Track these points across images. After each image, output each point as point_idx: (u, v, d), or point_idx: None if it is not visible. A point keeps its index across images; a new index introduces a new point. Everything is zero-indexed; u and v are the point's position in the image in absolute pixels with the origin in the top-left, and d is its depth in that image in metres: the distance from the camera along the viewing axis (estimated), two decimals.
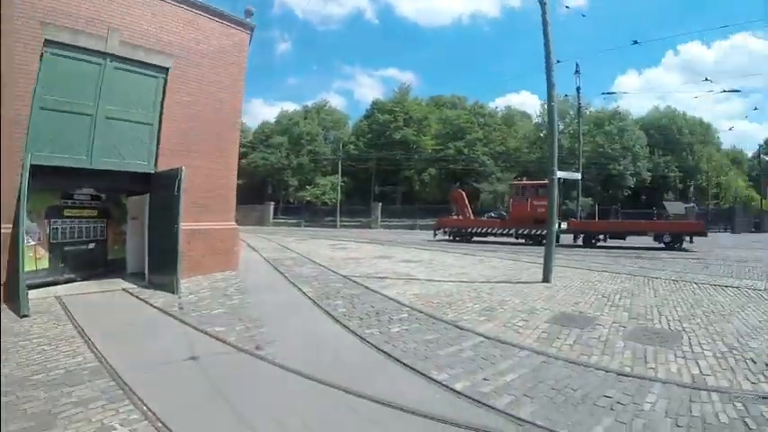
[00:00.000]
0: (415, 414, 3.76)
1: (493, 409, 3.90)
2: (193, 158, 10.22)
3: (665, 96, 79.64)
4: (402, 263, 14.11)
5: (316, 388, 4.30)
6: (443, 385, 4.39)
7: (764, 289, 9.61)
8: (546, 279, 10.54)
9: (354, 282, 10.18)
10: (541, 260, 11.10)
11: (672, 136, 54.24)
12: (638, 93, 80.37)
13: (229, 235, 11.43)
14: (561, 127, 55.55)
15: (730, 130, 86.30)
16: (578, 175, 14.76)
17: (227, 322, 6.62)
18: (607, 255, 17.86)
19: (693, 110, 68.66)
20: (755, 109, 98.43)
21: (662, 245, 21.20)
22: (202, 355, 5.17)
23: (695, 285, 10.13)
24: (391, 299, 8.38)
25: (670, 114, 56.43)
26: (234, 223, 11.75)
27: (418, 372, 4.72)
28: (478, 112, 59.24)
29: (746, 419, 3.69)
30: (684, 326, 6.67)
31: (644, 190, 51.92)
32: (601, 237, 22.83)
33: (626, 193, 50.48)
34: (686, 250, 19.94)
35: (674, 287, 9.94)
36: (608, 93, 75.48)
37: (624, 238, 22.64)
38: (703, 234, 21.32)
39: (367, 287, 9.50)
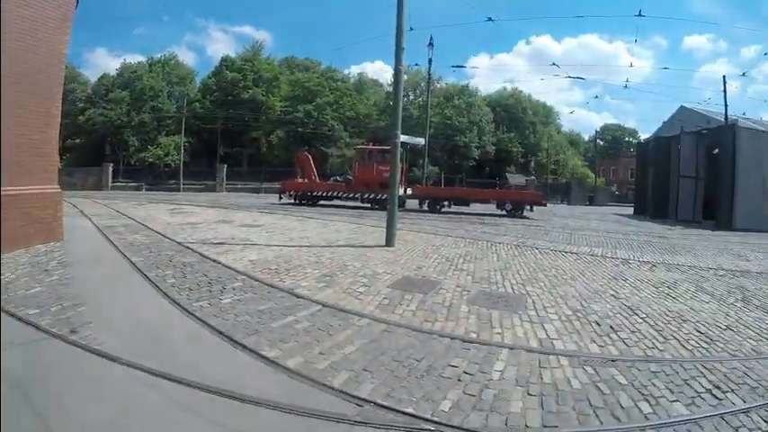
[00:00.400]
0: (241, 401, 3.41)
1: (329, 388, 3.65)
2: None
3: (513, 79, 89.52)
4: (243, 227, 13.66)
5: (132, 375, 3.82)
6: (275, 363, 4.10)
7: (602, 255, 11.03)
8: (389, 243, 10.56)
9: (189, 249, 9.57)
10: (386, 224, 11.08)
11: (517, 115, 62.68)
12: (489, 70, 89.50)
13: (51, 200, 9.98)
14: (411, 97, 59.66)
15: (571, 113, 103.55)
16: (422, 140, 15.30)
17: (44, 302, 5.72)
18: (451, 220, 19.19)
19: (538, 95, 79.11)
20: (596, 97, 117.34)
21: (504, 212, 23.60)
22: (6, 344, 4.19)
23: (537, 251, 11.16)
24: (226, 266, 7.93)
25: (516, 95, 65.32)
26: (57, 186, 10.41)
27: (248, 348, 4.41)
28: (330, 76, 61.39)
29: (599, 384, 3.79)
30: (528, 289, 7.10)
31: (488, 162, 58.16)
32: (446, 203, 24.56)
33: (471, 164, 56.17)
34: (527, 218, 22.59)
35: (516, 252, 10.78)
36: (458, 66, 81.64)
37: (468, 205, 24.79)
38: (542, 204, 24.50)
39: (202, 254, 8.94)
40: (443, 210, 24.12)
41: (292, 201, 26.12)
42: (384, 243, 10.62)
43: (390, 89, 57.15)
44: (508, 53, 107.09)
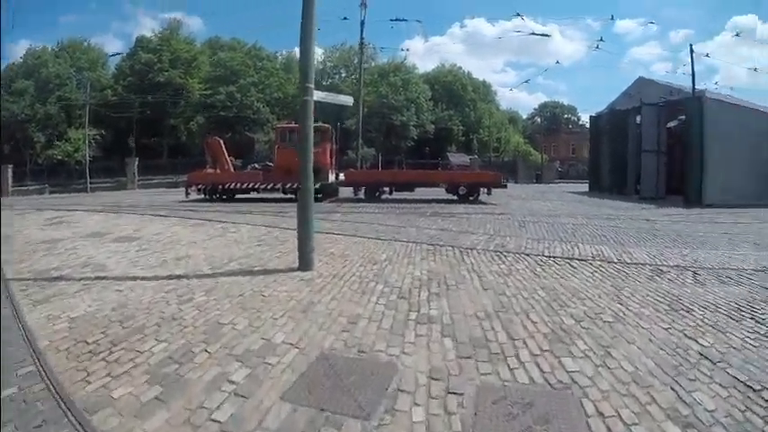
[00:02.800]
0: None
1: None
2: None
3: (448, 60, 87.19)
4: (114, 243, 9.86)
5: None
6: None
7: (618, 260, 7.84)
8: (304, 265, 6.76)
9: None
10: (297, 234, 7.24)
11: (456, 92, 59.98)
12: (424, 53, 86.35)
13: None
14: (344, 74, 56.39)
15: (510, 90, 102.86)
16: (349, 99, 11.33)
17: None
18: (395, 212, 15.43)
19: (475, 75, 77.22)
20: (527, 81, 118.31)
21: (455, 197, 20.18)
22: None
23: (529, 260, 7.73)
24: (28, 334, 4.58)
25: (455, 72, 62.67)
26: None
27: None
28: (256, 55, 56.89)
29: None
30: (569, 367, 3.61)
31: (428, 141, 55.01)
32: (386, 189, 20.78)
33: (409, 144, 53.03)
34: (483, 203, 19.17)
35: (502, 265, 7.30)
36: (397, 19, 77.20)
37: (413, 190, 21.08)
38: (502, 185, 21.20)
39: (15, 305, 5.53)
40: (384, 197, 20.41)
41: (203, 196, 21.52)
42: (297, 265, 6.84)
43: (321, 66, 54.39)
44: (442, 36, 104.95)
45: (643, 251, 8.76)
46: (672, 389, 3.31)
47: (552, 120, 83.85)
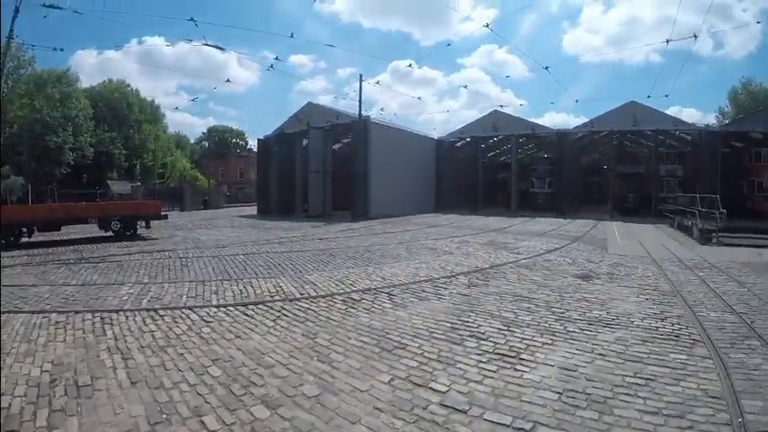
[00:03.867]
0: None
1: None
2: None
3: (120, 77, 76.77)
4: None
5: None
6: None
7: (303, 296, 6.78)
8: None
9: None
10: None
11: (121, 111, 51.90)
12: (95, 68, 73.36)
13: None
14: None
15: (176, 109, 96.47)
16: None
17: None
18: (27, 261, 11.04)
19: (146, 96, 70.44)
20: (194, 99, 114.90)
21: (110, 234, 16.50)
22: None
23: (193, 315, 5.91)
24: None
25: (122, 89, 54.47)
26: None
27: None
28: None
29: None
30: None
31: (86, 168, 46.33)
32: (24, 230, 15.44)
33: (65, 171, 43.42)
34: (143, 238, 16.15)
35: (158, 333, 5.26)
36: (52, 5, 63.39)
37: (59, 229, 16.31)
38: (161, 217, 18.44)
39: None
40: (23, 241, 14.97)
41: None
42: None
43: None
44: (118, 50, 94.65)
45: (326, 276, 8.22)
46: None
47: (221, 144, 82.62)
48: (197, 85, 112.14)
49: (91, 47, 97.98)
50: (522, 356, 4.47)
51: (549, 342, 4.90)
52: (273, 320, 5.57)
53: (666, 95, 77.25)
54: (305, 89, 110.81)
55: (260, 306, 6.22)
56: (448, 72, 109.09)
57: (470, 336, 5.04)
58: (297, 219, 24.38)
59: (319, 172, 27.68)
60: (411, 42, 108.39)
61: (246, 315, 5.80)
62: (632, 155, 39.27)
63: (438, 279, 7.97)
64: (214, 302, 6.47)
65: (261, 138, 34.38)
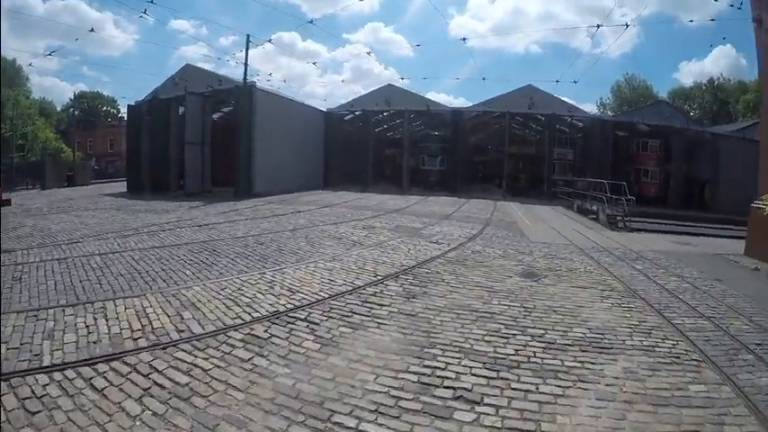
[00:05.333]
0: None
1: None
2: None
3: None
4: None
5: None
6: None
7: (173, 341, 4.48)
8: None
9: None
10: None
11: None
12: None
13: None
14: None
15: (29, 65, 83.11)
16: None
17: None
18: None
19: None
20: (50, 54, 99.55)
21: None
22: None
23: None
24: None
25: None
26: None
27: None
28: None
29: None
30: None
31: None
32: None
33: None
34: None
35: None
36: None
37: None
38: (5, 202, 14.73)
39: None
40: None
41: None
42: None
43: None
44: None
45: (212, 291, 5.82)
46: None
47: (90, 112, 72.40)
48: (69, 47, 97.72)
49: None
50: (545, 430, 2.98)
51: (560, 392, 3.46)
52: (138, 400, 3.28)
53: (557, 81, 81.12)
54: (185, 55, 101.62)
55: (115, 365, 3.76)
56: (333, 47, 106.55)
57: (455, 398, 3.30)
58: (172, 197, 20.84)
59: (197, 144, 24.13)
60: (298, 14, 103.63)
61: (94, 390, 3.45)
62: (525, 137, 40.25)
63: (364, 288, 6.10)
64: (46, 363, 3.80)
65: (131, 104, 29.60)
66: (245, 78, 23.35)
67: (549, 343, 4.46)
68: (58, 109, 66.98)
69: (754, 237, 10.80)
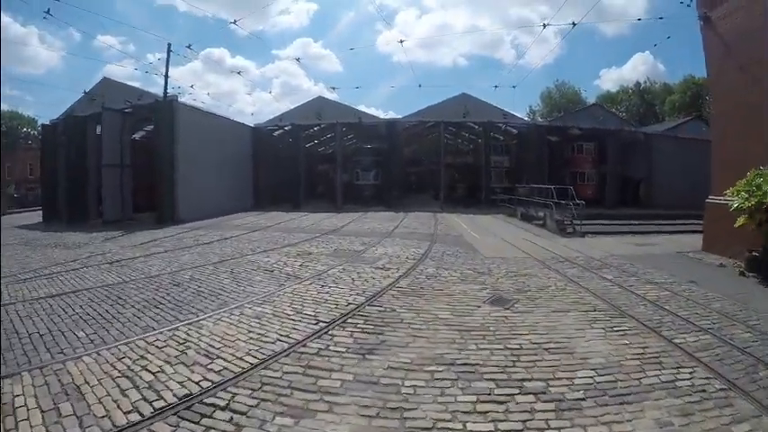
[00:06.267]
0: None
1: None
2: None
3: None
4: None
5: None
6: None
7: None
8: None
9: None
10: None
11: None
12: None
13: None
14: None
15: None
16: None
17: None
18: None
19: None
20: None
21: None
22: None
23: None
24: None
25: None
26: None
27: None
28: None
29: None
30: None
31: None
32: None
33: None
34: None
35: None
36: None
37: None
38: None
39: None
40: None
41: None
42: None
43: None
44: None
45: (105, 364, 4.26)
46: None
47: (8, 135, 65.46)
48: None
49: None
50: None
51: None
52: None
53: (496, 87, 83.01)
54: (113, 74, 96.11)
55: None
56: (262, 63, 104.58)
57: None
58: (89, 227, 18.29)
59: (116, 166, 21.56)
60: (226, 30, 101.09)
61: None
62: (460, 146, 39.91)
63: (304, 344, 4.78)
64: None
65: (45, 123, 26.23)
66: (165, 92, 20.88)
67: (558, 401, 3.42)
68: None
69: (711, 232, 10.52)
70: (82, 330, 5.42)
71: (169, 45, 21.60)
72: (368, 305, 6.28)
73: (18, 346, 4.89)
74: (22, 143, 59.70)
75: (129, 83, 33.54)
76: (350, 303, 6.36)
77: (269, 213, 23.42)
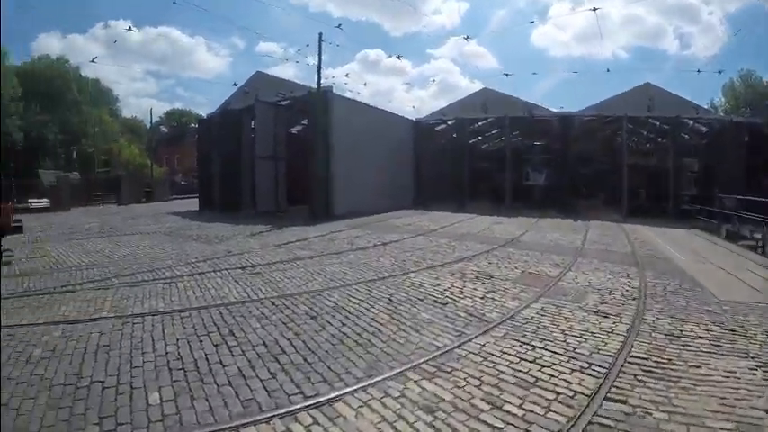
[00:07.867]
0: None
1: None
2: None
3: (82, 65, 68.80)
4: None
5: None
6: None
7: None
8: None
9: None
10: None
11: (56, 91, 45.35)
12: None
13: None
14: None
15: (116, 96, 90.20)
16: None
17: None
18: None
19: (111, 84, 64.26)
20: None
21: None
22: None
23: None
24: None
25: (60, 67, 48.08)
26: None
27: None
28: None
29: None
30: None
31: (16, 154, 39.74)
32: None
33: None
34: None
35: None
36: None
37: None
38: (14, 228, 13.39)
39: None
40: None
41: None
42: None
43: None
44: (83, 35, 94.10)
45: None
46: None
47: (178, 129, 74.70)
48: (163, 71, 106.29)
49: (55, 30, 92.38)
50: None
51: None
52: None
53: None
54: (276, 74, 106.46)
55: None
56: (418, 63, 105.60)
57: None
58: (241, 218, 19.11)
59: (269, 158, 22.21)
60: (381, 33, 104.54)
61: None
62: (640, 145, 35.09)
63: None
64: None
65: (202, 117, 28.23)
66: (318, 82, 20.76)
67: None
68: (149, 126, 70.03)
69: None
70: (158, 391, 4.03)
71: (320, 35, 21.33)
72: (605, 399, 3.96)
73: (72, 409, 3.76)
74: (188, 138, 67.16)
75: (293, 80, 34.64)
76: (576, 393, 4.08)
77: (431, 213, 22.06)
